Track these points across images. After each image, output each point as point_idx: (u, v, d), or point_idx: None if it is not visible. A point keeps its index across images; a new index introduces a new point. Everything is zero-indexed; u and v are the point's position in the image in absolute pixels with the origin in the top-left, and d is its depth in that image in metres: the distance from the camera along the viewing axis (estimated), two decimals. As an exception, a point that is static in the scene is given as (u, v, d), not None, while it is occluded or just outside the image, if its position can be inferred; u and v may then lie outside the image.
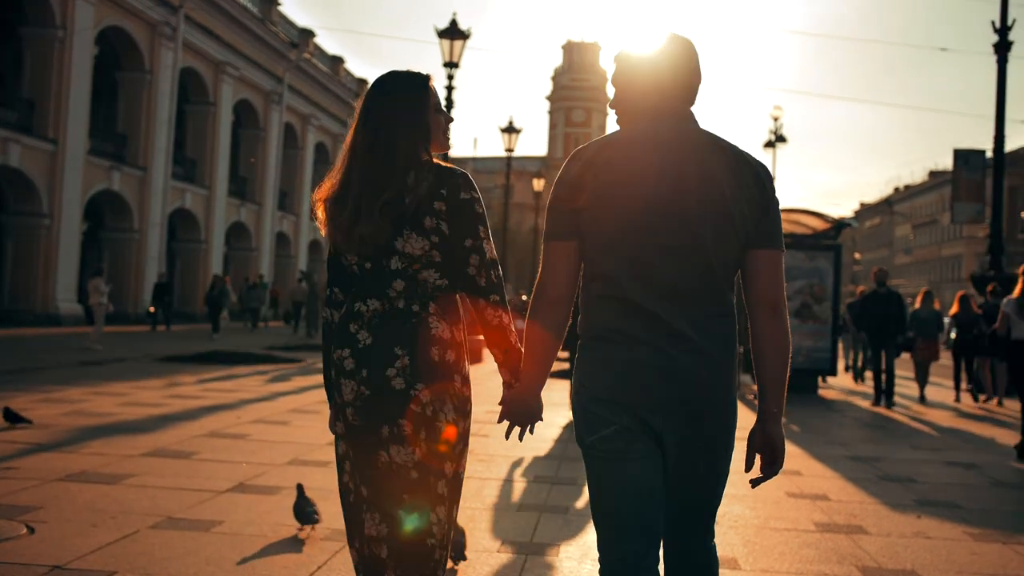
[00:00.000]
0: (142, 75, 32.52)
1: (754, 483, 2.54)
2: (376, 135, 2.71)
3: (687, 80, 2.57)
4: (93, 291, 18.84)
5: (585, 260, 2.55)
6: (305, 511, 4.94)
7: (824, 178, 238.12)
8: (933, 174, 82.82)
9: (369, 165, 2.70)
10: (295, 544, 4.84)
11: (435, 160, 2.76)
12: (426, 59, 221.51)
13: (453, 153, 28.25)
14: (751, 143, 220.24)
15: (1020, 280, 9.36)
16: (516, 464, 7.34)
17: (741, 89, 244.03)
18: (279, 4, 41.15)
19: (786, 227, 16.59)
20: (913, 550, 5.19)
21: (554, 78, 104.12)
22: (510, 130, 33.43)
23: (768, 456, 2.50)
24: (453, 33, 20.26)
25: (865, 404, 13.90)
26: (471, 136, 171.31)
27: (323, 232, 2.82)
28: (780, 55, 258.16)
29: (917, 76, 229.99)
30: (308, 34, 44.82)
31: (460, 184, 2.70)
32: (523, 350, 2.64)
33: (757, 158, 2.56)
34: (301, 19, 45.24)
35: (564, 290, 2.55)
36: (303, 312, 30.52)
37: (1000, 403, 14.54)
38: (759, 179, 2.50)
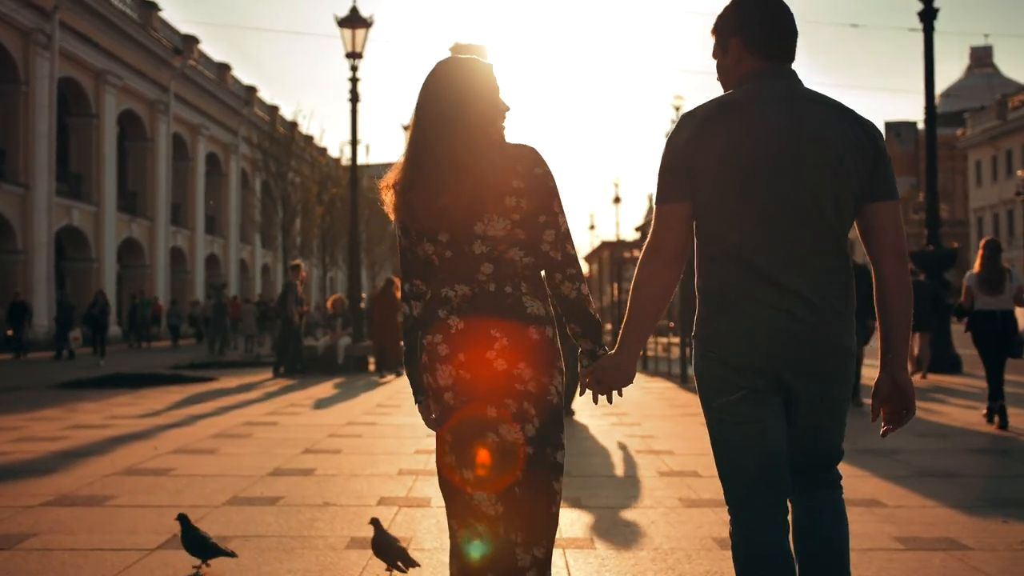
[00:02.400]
0: (16, 86, 30.81)
1: (885, 434, 2.62)
2: (454, 115, 2.69)
3: (794, 38, 2.62)
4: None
5: (700, 221, 2.54)
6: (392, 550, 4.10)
7: None
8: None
9: (449, 144, 2.68)
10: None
11: (502, 139, 2.77)
12: (308, 71, 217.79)
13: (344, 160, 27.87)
14: (657, 129, 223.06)
15: (979, 254, 9.56)
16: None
17: (646, 72, 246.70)
18: (160, 10, 39.33)
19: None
20: None
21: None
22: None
23: (899, 404, 2.55)
24: (355, 22, 19.15)
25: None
26: (362, 143, 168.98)
27: (393, 218, 2.84)
28: (684, 37, 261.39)
29: (830, 54, 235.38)
30: (192, 40, 43.04)
31: (534, 159, 2.72)
32: (629, 314, 2.62)
33: (864, 116, 2.59)
34: (184, 26, 43.75)
35: (678, 250, 2.55)
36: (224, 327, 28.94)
37: (924, 376, 15.04)
38: (869, 133, 2.52)
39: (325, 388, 14.47)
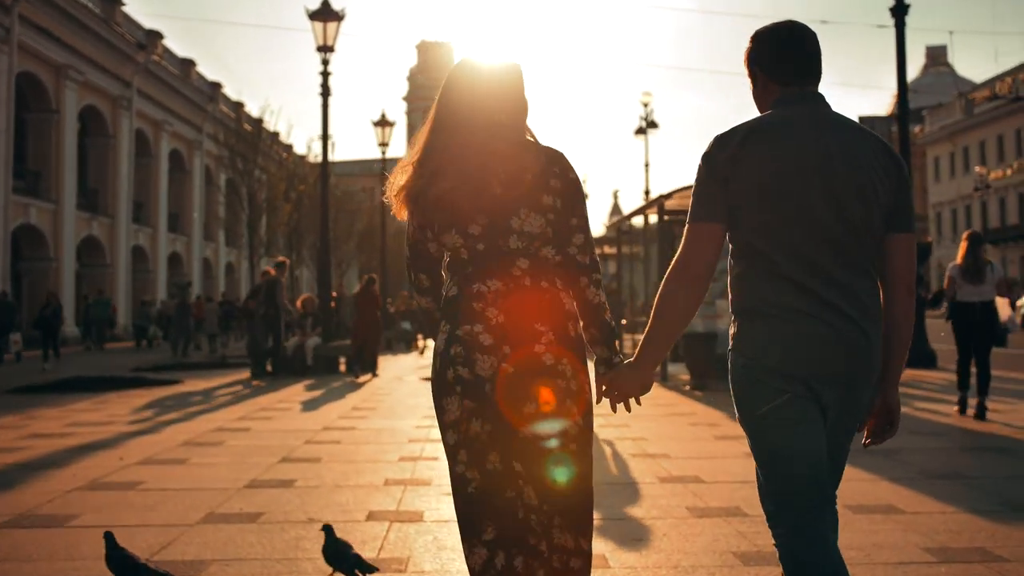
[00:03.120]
0: None
1: (867, 446, 2.77)
2: (487, 109, 2.73)
3: (813, 59, 2.70)
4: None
5: (738, 238, 2.60)
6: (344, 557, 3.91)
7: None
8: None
9: (486, 137, 2.71)
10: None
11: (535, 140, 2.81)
12: (277, 63, 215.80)
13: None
14: (625, 126, 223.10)
15: (963, 246, 9.91)
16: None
17: (613, 68, 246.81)
18: (123, 4, 38.54)
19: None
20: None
21: (410, 78, 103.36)
22: (383, 123, 31.69)
23: (885, 420, 2.70)
24: (326, 15, 18.66)
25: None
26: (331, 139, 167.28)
27: (400, 215, 2.86)
28: (655, 33, 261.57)
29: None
30: (156, 35, 42.24)
31: (568, 163, 2.77)
32: (652, 325, 2.64)
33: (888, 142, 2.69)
34: (147, 20, 42.95)
35: (706, 269, 2.59)
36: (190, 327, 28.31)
37: None
38: (896, 162, 2.62)
39: (296, 390, 14.00)
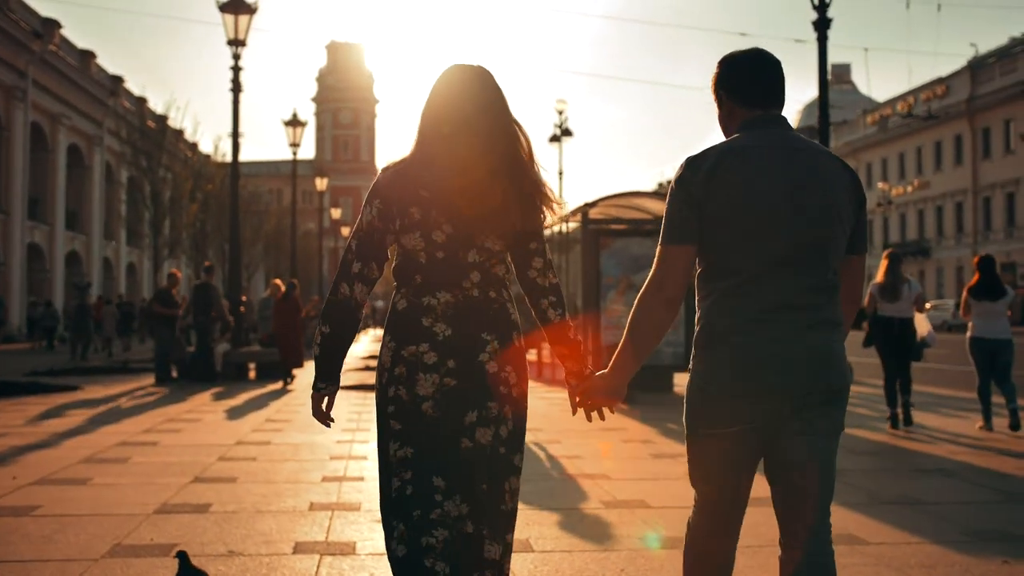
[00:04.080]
0: None
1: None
2: (468, 124, 2.76)
3: (778, 85, 2.78)
4: None
5: (708, 261, 2.66)
6: None
7: (629, 168, 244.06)
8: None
9: (452, 155, 2.74)
10: None
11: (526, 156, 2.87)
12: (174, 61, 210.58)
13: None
14: (538, 132, 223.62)
15: (883, 264, 10.24)
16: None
17: (528, 74, 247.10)
18: (18, -11, 36.91)
19: (625, 213, 15.86)
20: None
21: (319, 79, 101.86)
22: (294, 123, 30.83)
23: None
24: (237, 7, 17.97)
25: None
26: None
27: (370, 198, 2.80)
28: (573, 40, 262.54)
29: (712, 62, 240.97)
30: (53, 24, 40.55)
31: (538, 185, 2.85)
32: (625, 340, 2.69)
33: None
34: (44, 7, 41.08)
35: (680, 291, 2.66)
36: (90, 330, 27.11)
37: None
38: (858, 185, 2.71)
39: (205, 399, 13.33)
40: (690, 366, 2.71)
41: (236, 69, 18.40)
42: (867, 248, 2.80)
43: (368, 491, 6.18)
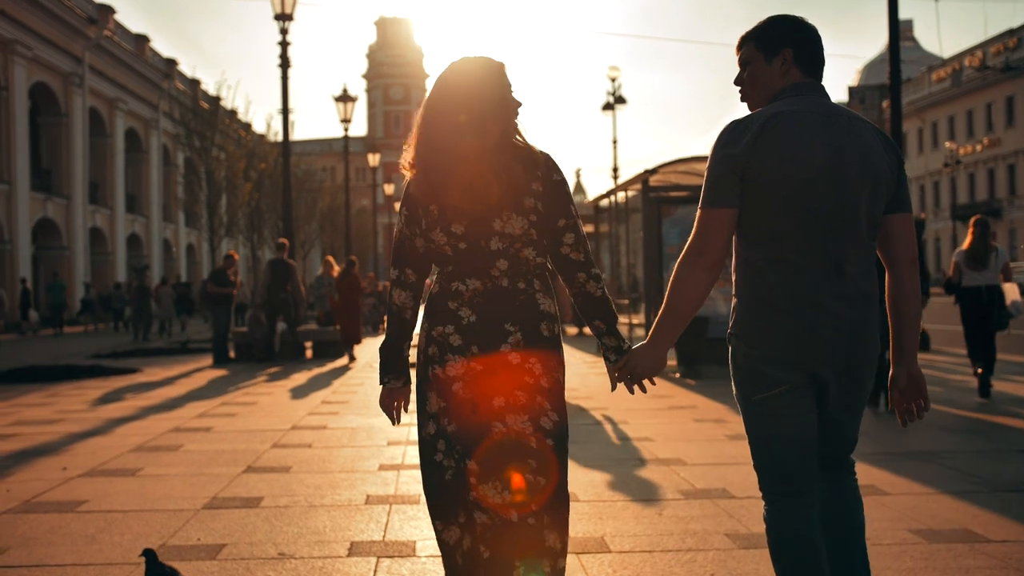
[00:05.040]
0: None
1: (905, 424, 2.78)
2: (467, 113, 2.76)
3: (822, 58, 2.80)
4: None
5: (750, 225, 2.64)
6: None
7: (682, 135, 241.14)
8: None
9: (468, 140, 2.75)
10: None
11: (522, 142, 2.86)
12: (239, 42, 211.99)
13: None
14: (590, 102, 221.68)
15: (970, 231, 10.00)
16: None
17: (577, 45, 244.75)
18: (73, -23, 37.06)
19: (686, 179, 15.26)
20: None
21: (369, 55, 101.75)
22: (345, 99, 30.49)
23: (915, 395, 2.73)
24: (285, -19, 17.63)
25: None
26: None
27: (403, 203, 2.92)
28: (623, 4, 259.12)
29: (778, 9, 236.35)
30: (107, 10, 40.72)
31: (552, 165, 2.84)
32: (665, 309, 2.68)
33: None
34: None
35: (721, 255, 2.64)
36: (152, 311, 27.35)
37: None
38: (895, 150, 2.71)
39: (260, 380, 13.11)
40: (729, 330, 2.73)
41: (284, 44, 18.11)
42: (911, 207, 2.78)
43: (428, 481, 5.79)
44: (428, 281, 2.97)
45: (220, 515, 5.13)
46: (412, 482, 5.91)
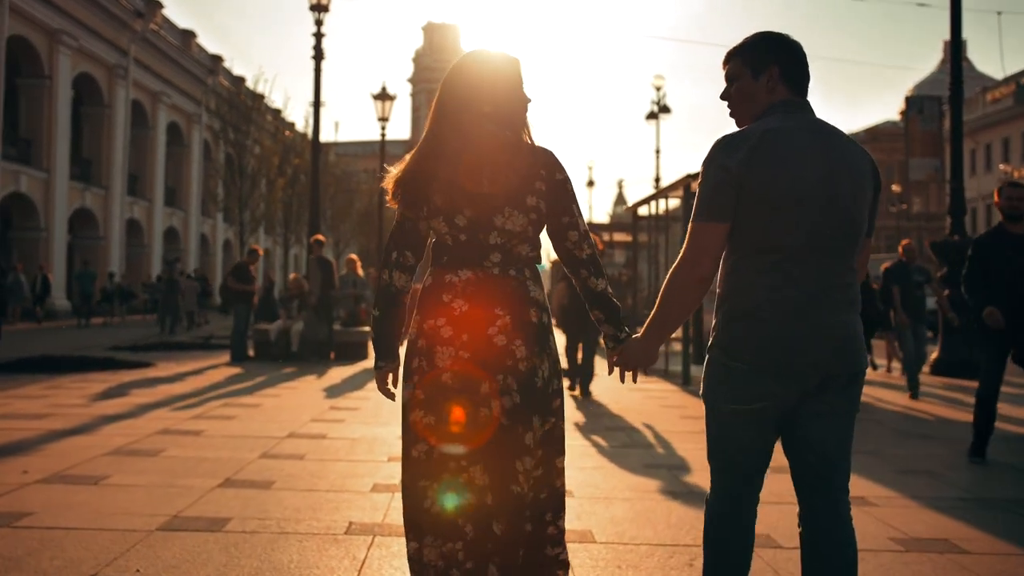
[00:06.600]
0: None
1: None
2: (475, 107, 2.81)
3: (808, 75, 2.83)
4: None
5: (739, 238, 2.66)
6: None
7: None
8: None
9: (476, 135, 2.81)
10: None
11: (527, 138, 2.92)
12: (284, 43, 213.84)
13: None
14: (634, 111, 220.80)
15: None
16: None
17: (621, 51, 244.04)
18: (120, -31, 36.98)
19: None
20: None
21: (415, 60, 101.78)
22: (383, 97, 29.91)
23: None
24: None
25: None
26: (331, 119, 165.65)
27: (393, 203, 2.93)
28: (667, 12, 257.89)
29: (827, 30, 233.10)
30: (155, 4, 40.69)
31: (555, 164, 2.87)
32: (657, 312, 2.73)
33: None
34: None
35: (713, 268, 2.67)
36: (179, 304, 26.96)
37: (888, 371, 15.45)
38: (876, 172, 2.79)
39: (273, 380, 12.44)
40: (711, 340, 2.73)
41: (318, 36, 17.57)
42: (873, 232, 2.85)
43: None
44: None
45: (173, 540, 4.41)
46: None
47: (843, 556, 2.66)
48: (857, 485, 5.50)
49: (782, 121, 2.67)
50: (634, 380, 2.93)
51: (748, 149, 2.61)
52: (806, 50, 2.80)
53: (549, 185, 2.82)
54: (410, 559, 2.86)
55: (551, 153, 2.87)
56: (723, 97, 2.87)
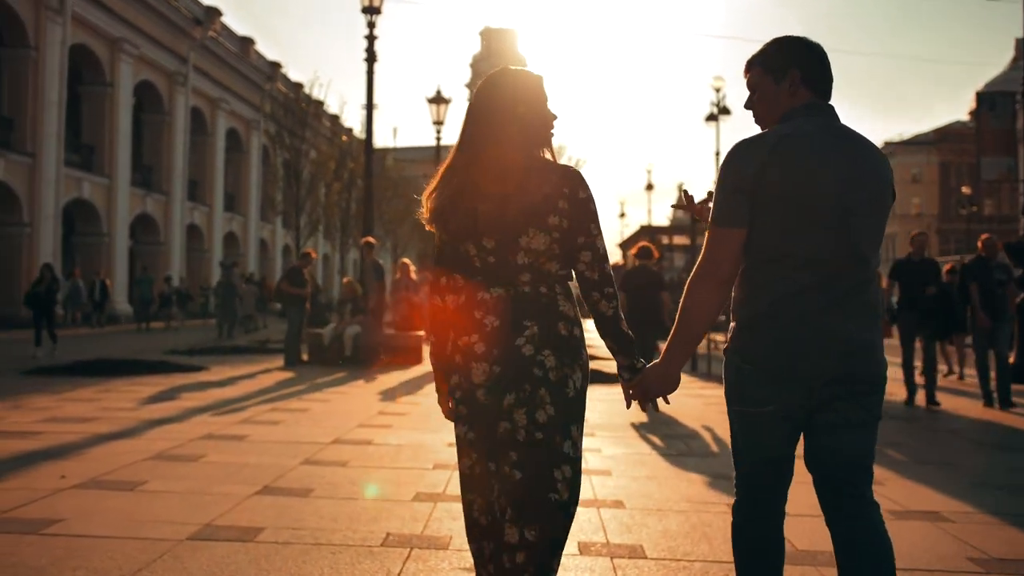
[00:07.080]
0: (25, 52, 29.62)
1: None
2: (499, 129, 2.81)
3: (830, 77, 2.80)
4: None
5: (756, 242, 2.62)
6: None
7: None
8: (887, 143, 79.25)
9: (499, 157, 2.80)
10: None
11: (551, 157, 2.90)
12: (335, 47, 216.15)
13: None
14: (693, 114, 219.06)
15: None
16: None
17: (680, 55, 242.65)
18: (181, -22, 37.47)
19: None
20: None
21: (472, 65, 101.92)
22: (438, 100, 29.77)
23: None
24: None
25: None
26: (389, 125, 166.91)
27: (428, 225, 2.93)
28: (718, 8, 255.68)
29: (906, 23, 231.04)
30: (214, 12, 41.18)
31: (579, 183, 2.82)
32: (677, 327, 2.69)
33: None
34: None
35: (732, 274, 2.65)
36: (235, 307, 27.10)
37: (961, 377, 14.65)
38: (892, 176, 2.73)
39: (324, 385, 12.32)
40: (727, 344, 2.72)
41: (371, 38, 17.45)
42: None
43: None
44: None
45: (202, 550, 4.22)
46: (446, 518, 4.94)
47: (871, 559, 2.59)
48: (930, 499, 5.29)
49: (803, 125, 2.64)
50: (655, 409, 2.86)
51: (764, 153, 2.58)
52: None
53: (571, 205, 2.79)
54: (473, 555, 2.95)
55: (575, 172, 2.84)
56: (747, 106, 2.84)
